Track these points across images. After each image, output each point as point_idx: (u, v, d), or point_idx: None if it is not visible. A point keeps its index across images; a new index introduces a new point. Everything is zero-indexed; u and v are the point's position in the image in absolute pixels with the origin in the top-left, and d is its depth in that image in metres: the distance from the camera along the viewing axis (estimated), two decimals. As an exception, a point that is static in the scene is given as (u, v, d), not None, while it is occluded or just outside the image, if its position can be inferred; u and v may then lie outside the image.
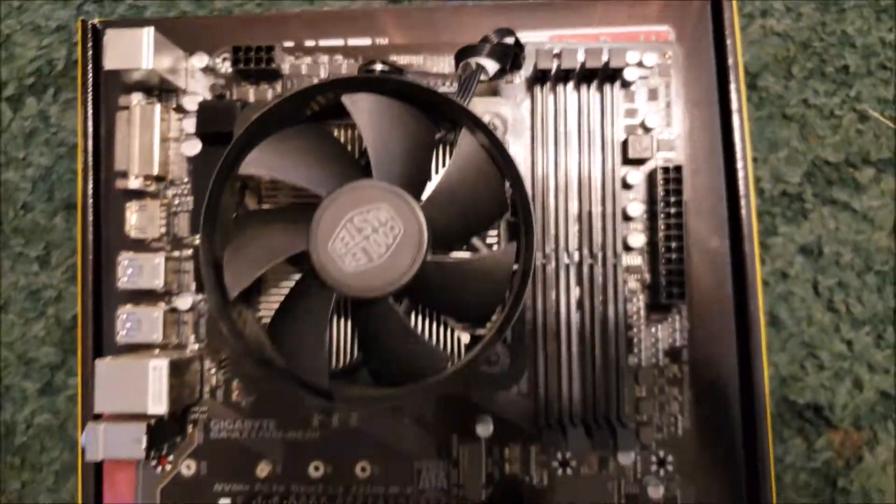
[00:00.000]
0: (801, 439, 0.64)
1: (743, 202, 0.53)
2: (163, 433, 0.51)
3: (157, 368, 0.49)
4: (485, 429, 0.52)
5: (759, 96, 0.66)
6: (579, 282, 0.52)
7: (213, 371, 0.55)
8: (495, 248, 0.45)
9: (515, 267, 0.44)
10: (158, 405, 0.49)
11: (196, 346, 0.55)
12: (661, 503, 0.52)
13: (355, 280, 0.40)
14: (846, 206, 0.65)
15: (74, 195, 0.67)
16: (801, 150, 0.65)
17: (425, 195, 0.41)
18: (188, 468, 0.54)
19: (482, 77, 0.44)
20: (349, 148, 0.48)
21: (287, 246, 0.40)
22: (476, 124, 0.40)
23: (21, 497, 0.65)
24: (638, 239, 0.53)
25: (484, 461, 0.53)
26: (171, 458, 0.54)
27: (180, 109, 0.55)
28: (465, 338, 0.44)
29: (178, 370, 0.51)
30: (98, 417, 0.50)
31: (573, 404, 0.51)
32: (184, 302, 0.54)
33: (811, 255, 0.65)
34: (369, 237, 0.39)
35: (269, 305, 0.48)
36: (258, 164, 0.40)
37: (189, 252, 0.55)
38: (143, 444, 0.48)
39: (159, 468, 0.54)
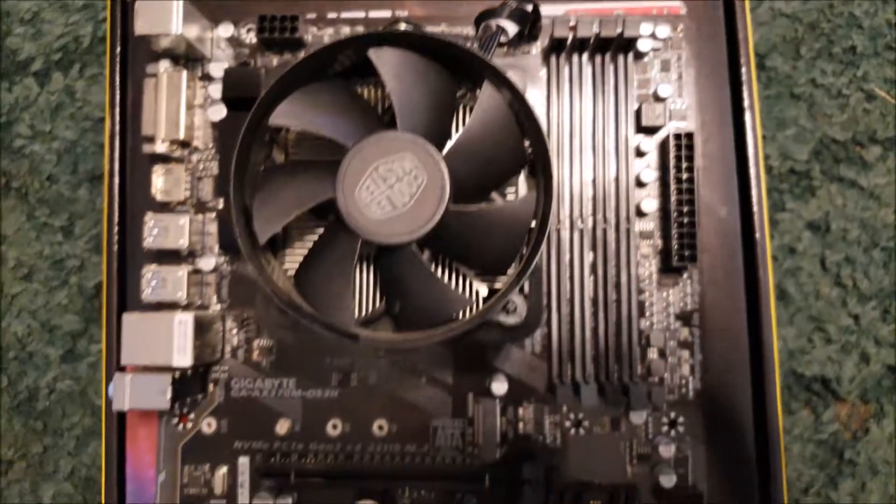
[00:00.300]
0: (808, 411, 0.65)
1: (752, 171, 0.55)
2: (186, 387, 0.52)
3: (183, 322, 0.50)
4: (500, 387, 0.53)
5: (767, 76, 0.67)
6: (593, 247, 0.54)
7: (235, 332, 0.56)
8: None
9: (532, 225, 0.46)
10: (183, 358, 0.50)
11: (218, 307, 0.56)
12: (672, 462, 0.53)
13: (380, 227, 0.41)
14: (853, 184, 0.66)
15: (99, 168, 0.69)
16: (808, 128, 0.67)
17: (446, 150, 0.42)
18: (209, 426, 0.55)
19: (501, 39, 0.45)
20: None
21: (315, 193, 0.41)
22: (498, 77, 0.41)
23: (42, 461, 0.67)
24: (650, 204, 0.54)
25: (499, 420, 0.54)
26: (192, 416, 0.56)
27: (206, 77, 0.57)
28: (483, 290, 0.45)
29: (201, 328, 0.52)
30: (123, 370, 0.51)
31: (586, 364, 0.52)
32: (207, 263, 0.55)
33: (818, 231, 0.66)
34: (394, 186, 0.41)
35: (294, 259, 0.49)
36: (288, 115, 0.42)
37: (212, 215, 0.56)
38: (168, 395, 0.49)
39: (181, 426, 0.56)
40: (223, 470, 0.55)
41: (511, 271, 0.45)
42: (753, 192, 0.55)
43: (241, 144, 0.42)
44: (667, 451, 0.52)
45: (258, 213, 0.42)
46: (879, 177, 0.66)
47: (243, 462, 0.55)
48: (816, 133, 0.67)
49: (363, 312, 0.46)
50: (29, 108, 0.69)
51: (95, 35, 0.70)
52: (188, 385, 0.53)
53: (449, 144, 0.42)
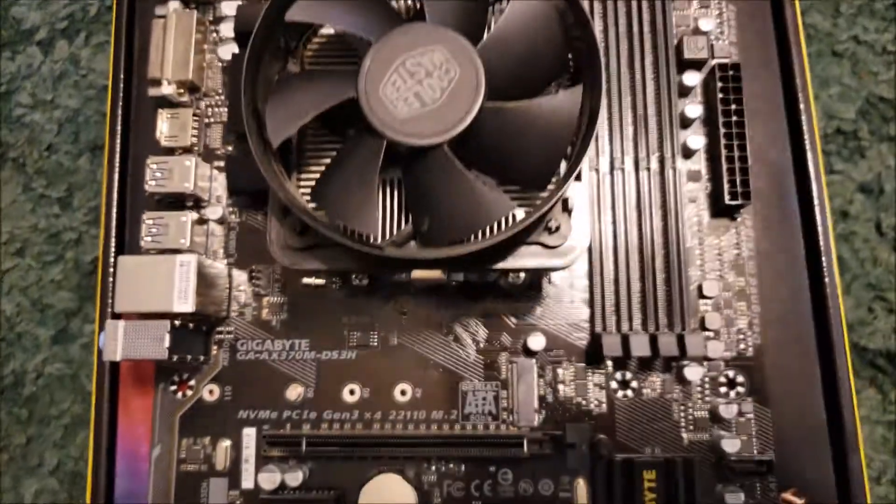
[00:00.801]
0: (874, 390, 0.59)
1: (802, 106, 0.50)
2: (186, 341, 0.47)
3: (186, 264, 0.45)
4: (537, 342, 0.48)
5: (807, 34, 0.64)
6: (637, 189, 0.49)
7: (243, 288, 0.51)
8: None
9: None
10: (184, 303, 0.45)
11: (225, 261, 0.51)
12: (734, 426, 0.47)
13: (408, 126, 0.36)
14: (905, 143, 0.62)
15: (101, 137, 0.65)
16: (853, 86, 0.63)
17: (480, 44, 0.38)
18: (210, 393, 0.50)
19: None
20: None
21: (334, 93, 0.37)
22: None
23: (26, 454, 0.60)
24: (697, 142, 0.50)
25: (536, 382, 0.48)
26: (192, 382, 0.50)
27: (217, 20, 0.54)
28: (520, 214, 0.40)
29: (204, 280, 0.47)
30: (118, 318, 0.46)
31: (633, 315, 0.47)
32: (214, 212, 0.51)
33: (871, 193, 0.61)
34: (423, 81, 0.37)
35: (308, 182, 0.44)
36: (305, 9, 0.38)
37: (221, 164, 0.52)
38: (166, 343, 0.44)
39: (179, 394, 0.50)
40: (226, 443, 0.49)
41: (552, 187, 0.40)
42: (805, 131, 0.50)
43: (256, 37, 0.38)
44: (727, 411, 0.46)
45: (271, 115, 0.37)
46: (933, 136, 0.62)
47: (248, 433, 0.49)
48: (862, 91, 0.63)
49: (387, 236, 0.41)
50: (31, 76, 0.66)
51: (103, 4, 0.67)
52: (189, 339, 0.47)
53: (483, 39, 0.38)
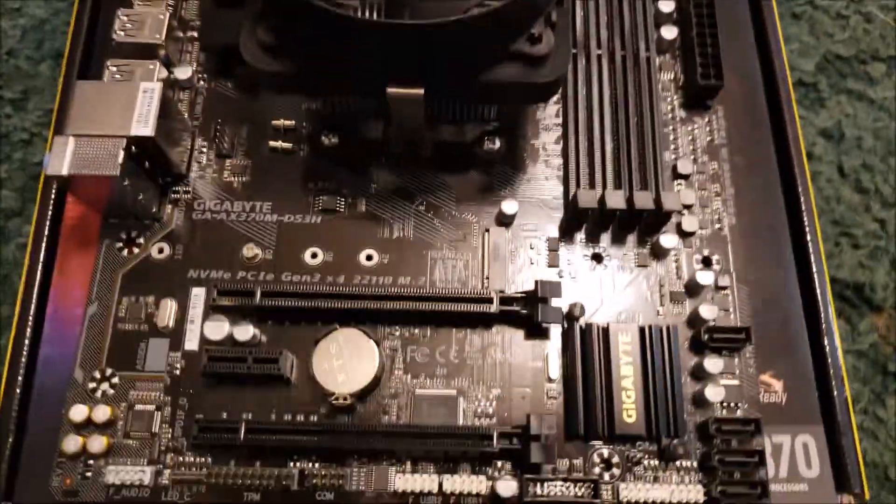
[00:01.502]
0: (843, 321, 0.58)
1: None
2: (140, 183, 0.44)
3: (149, 91, 0.43)
4: (510, 207, 0.46)
5: (766, -4, 0.67)
6: (611, 76, 0.49)
7: (206, 150, 0.48)
8: None
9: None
10: (144, 126, 0.42)
11: (189, 123, 0.49)
12: (713, 296, 0.45)
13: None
14: (861, 96, 0.64)
15: (65, 47, 0.63)
16: (812, 44, 0.66)
17: None
18: (160, 252, 0.46)
19: None
20: None
21: None
22: None
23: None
24: (670, 32, 0.51)
25: (508, 250, 0.46)
26: (140, 240, 0.46)
27: None
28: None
29: (168, 133, 0.45)
30: (69, 143, 0.43)
31: (607, 181, 0.46)
32: (183, 72, 0.49)
33: (832, 138, 0.63)
34: None
35: None
36: None
37: (194, 34, 0.51)
38: (120, 159, 0.41)
39: (125, 251, 0.46)
40: (171, 302, 0.45)
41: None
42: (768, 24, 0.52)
43: None
44: (705, 278, 0.45)
45: None
46: (888, 90, 0.64)
47: (197, 294, 0.45)
48: (820, 49, 0.66)
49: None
50: (0, -16, 0.65)
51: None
52: (144, 184, 0.44)
53: None
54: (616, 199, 0.44)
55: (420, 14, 0.37)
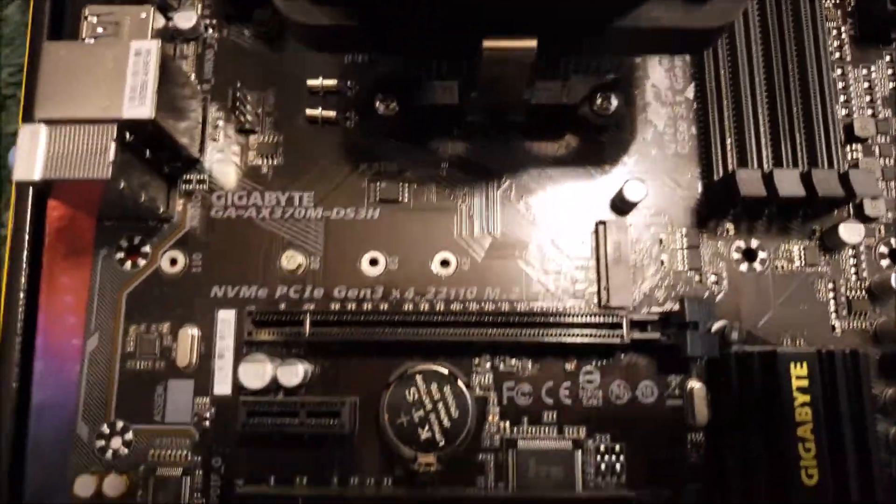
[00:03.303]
0: None
1: None
2: (140, 178, 0.32)
3: (143, 53, 0.31)
4: (635, 192, 0.34)
5: None
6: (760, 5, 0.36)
7: (221, 123, 0.37)
8: None
9: None
10: (140, 105, 0.30)
11: (199, 88, 0.37)
12: None
13: None
14: None
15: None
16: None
17: None
18: (172, 263, 0.35)
19: None
20: None
21: None
22: None
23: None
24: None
25: (630, 246, 0.35)
26: (146, 249, 0.35)
27: None
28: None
29: (172, 106, 0.33)
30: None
31: (763, 153, 0.34)
32: (185, 18, 0.37)
33: None
34: None
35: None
36: None
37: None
38: (111, 156, 0.30)
39: (127, 264, 0.35)
40: (192, 331, 0.34)
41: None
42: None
43: None
44: (902, 283, 0.33)
45: None
46: None
47: (225, 318, 0.35)
48: None
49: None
50: None
51: None
52: (144, 177, 0.33)
53: None
54: (790, 183, 0.32)
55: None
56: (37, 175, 0.29)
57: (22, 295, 0.35)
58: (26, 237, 0.35)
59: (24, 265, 0.35)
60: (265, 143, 0.37)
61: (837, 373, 0.32)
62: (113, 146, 0.30)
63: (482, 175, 0.36)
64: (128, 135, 0.31)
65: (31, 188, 0.35)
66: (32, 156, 0.29)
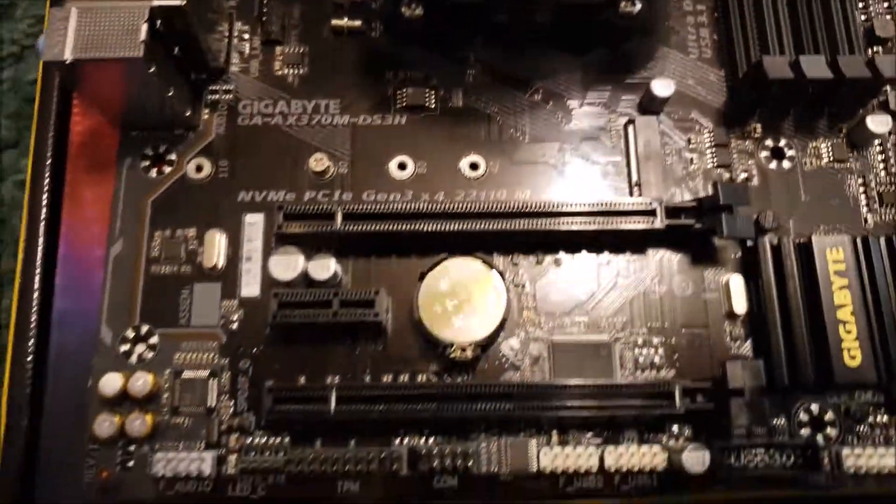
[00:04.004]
0: None
1: None
2: (168, 76, 0.32)
3: (173, -56, 0.31)
4: (663, 88, 0.34)
5: None
6: None
7: (248, 35, 0.37)
8: None
9: None
10: (171, -8, 0.30)
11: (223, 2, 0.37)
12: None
13: None
14: None
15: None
16: None
17: None
18: (198, 169, 0.35)
19: None
20: None
21: None
22: None
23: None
24: None
25: (660, 142, 0.35)
26: (171, 156, 0.35)
27: None
28: None
29: (201, 11, 0.33)
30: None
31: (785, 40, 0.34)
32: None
33: None
34: None
35: None
36: None
37: None
38: (143, 35, 0.29)
39: (153, 172, 0.35)
40: (219, 235, 0.34)
41: None
42: None
43: None
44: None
45: None
46: None
47: (253, 222, 0.34)
48: None
49: None
50: None
51: None
52: (172, 76, 0.33)
53: None
54: (816, 67, 0.32)
55: None
56: (67, 55, 0.29)
57: (44, 205, 0.34)
58: (50, 141, 0.34)
59: (48, 174, 0.35)
60: (291, 53, 0.37)
61: (873, 256, 0.32)
62: (144, 27, 0.29)
63: (509, 80, 0.36)
64: (158, 22, 0.31)
65: (57, 76, 0.34)
66: (62, 37, 0.29)
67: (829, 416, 0.31)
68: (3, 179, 0.47)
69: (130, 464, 0.31)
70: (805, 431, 0.31)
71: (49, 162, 0.35)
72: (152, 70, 0.30)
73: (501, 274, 0.32)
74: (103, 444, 0.31)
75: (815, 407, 0.31)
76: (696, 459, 0.29)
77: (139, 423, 0.31)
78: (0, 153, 0.47)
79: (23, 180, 0.46)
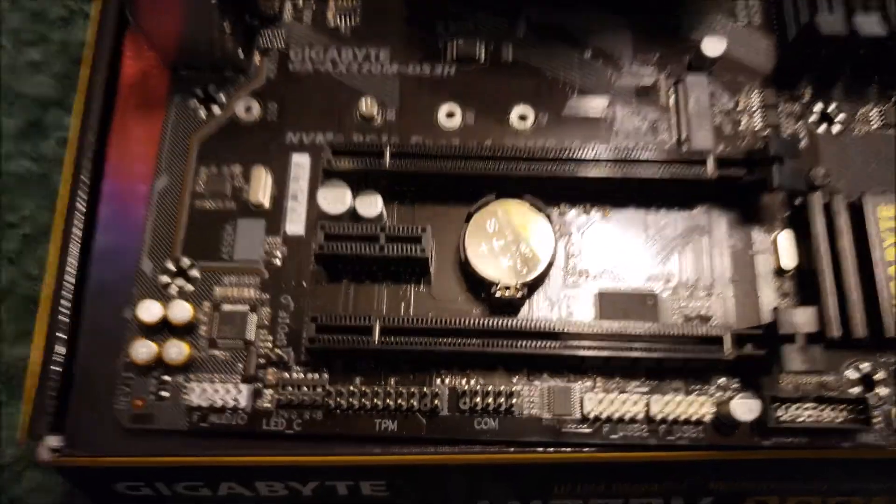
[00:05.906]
0: None
1: None
2: (227, 13, 0.33)
3: None
4: (714, 47, 0.34)
5: None
6: None
7: (301, -14, 0.37)
8: None
9: None
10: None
11: (277, -46, 0.38)
12: None
13: None
14: None
15: None
16: None
17: None
18: (247, 110, 0.35)
19: None
20: None
21: None
22: None
23: (-37, 270, 0.44)
24: None
25: (708, 102, 0.35)
26: (220, 96, 0.35)
27: None
28: None
29: None
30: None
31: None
32: None
33: None
34: None
35: None
36: None
37: None
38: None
39: (201, 111, 0.35)
40: (265, 173, 0.34)
41: None
42: None
43: None
44: None
45: None
46: None
47: (299, 162, 0.34)
48: None
49: None
50: None
51: None
52: (230, 14, 0.33)
53: None
54: (870, 24, 0.32)
55: None
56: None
57: (91, 136, 0.35)
58: (102, 74, 0.35)
59: (96, 106, 0.35)
60: (343, 4, 0.37)
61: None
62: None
63: (560, 36, 0.36)
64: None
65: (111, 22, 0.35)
66: (128, -40, 0.30)
67: (879, 375, 0.31)
68: (46, 137, 0.47)
69: (164, 394, 0.31)
70: (855, 390, 0.30)
71: (101, 92, 0.35)
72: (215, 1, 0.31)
73: (549, 218, 0.32)
74: (139, 372, 0.31)
75: (865, 365, 0.31)
76: (746, 407, 0.29)
77: (176, 350, 0.31)
78: (44, 111, 0.48)
79: (65, 138, 0.46)
